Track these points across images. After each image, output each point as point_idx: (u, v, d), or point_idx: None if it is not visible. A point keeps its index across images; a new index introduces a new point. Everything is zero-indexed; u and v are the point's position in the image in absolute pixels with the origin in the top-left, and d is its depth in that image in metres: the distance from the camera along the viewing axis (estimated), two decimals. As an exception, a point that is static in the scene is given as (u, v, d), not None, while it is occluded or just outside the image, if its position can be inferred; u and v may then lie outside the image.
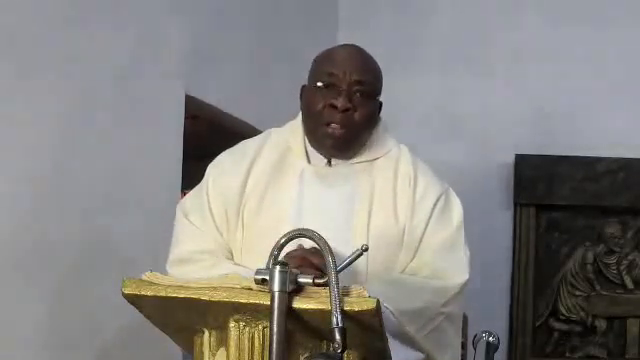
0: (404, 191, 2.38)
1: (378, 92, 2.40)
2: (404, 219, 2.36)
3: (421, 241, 2.36)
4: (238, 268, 2.28)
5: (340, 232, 2.28)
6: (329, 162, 2.40)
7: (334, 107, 2.30)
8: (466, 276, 2.36)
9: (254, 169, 2.40)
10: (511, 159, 4.84)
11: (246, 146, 2.47)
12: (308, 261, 2.13)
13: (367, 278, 2.26)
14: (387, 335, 1.97)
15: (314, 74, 2.39)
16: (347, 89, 2.31)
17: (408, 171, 2.40)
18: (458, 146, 4.82)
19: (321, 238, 1.90)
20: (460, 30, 4.97)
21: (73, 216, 3.16)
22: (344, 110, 2.30)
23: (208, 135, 4.13)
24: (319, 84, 2.34)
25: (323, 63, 2.39)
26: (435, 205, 2.38)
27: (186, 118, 3.85)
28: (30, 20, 2.98)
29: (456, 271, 2.36)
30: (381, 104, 2.43)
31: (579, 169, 4.81)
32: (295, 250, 2.16)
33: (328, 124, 2.32)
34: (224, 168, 2.43)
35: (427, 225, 2.36)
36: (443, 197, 2.41)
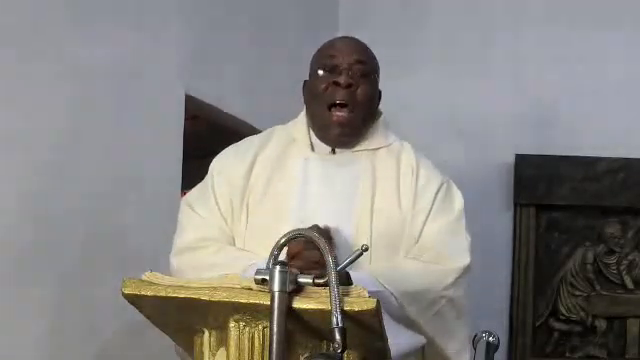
0: (406, 179, 2.43)
1: (377, 72, 2.47)
2: (407, 205, 2.40)
3: (423, 227, 2.40)
4: (241, 252, 2.30)
5: (343, 218, 2.33)
6: (333, 151, 2.44)
7: (337, 84, 2.35)
8: (467, 260, 2.39)
9: (259, 159, 2.45)
10: (511, 159, 4.83)
11: (250, 140, 2.54)
12: (310, 244, 2.13)
13: (370, 263, 2.28)
14: (389, 319, 1.98)
15: (315, 64, 2.45)
16: (348, 68, 2.38)
17: (410, 161, 2.46)
18: (458, 146, 4.82)
19: (320, 238, 1.90)
20: (460, 30, 4.96)
21: (73, 216, 3.15)
22: (347, 86, 2.35)
23: (208, 135, 4.12)
24: (320, 72, 2.39)
25: (323, 51, 2.46)
26: (437, 193, 2.44)
27: (186, 118, 3.85)
28: (30, 20, 2.98)
29: (457, 255, 2.39)
30: (380, 92, 2.47)
31: (579, 169, 4.80)
32: (295, 246, 2.17)
33: (332, 107, 2.35)
34: (229, 160, 2.48)
35: (429, 212, 2.41)
36: (445, 186, 2.46)
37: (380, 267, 2.26)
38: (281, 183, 2.40)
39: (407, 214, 2.39)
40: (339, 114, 2.37)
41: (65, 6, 3.14)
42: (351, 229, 2.26)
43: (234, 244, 2.39)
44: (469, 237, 2.43)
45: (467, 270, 2.38)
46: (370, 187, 2.39)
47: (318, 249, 2.05)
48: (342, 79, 2.35)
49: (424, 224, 2.40)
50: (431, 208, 2.41)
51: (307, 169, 2.41)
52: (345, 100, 2.36)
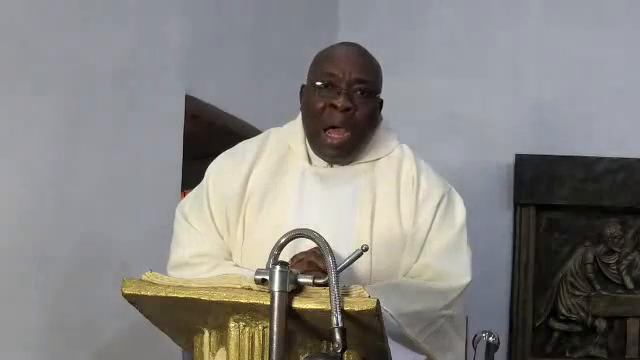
0: (407, 192, 2.36)
1: (378, 90, 2.38)
2: (407, 220, 2.34)
3: (424, 243, 2.34)
4: (238, 270, 2.27)
5: (342, 234, 2.27)
6: (330, 164, 2.39)
7: (334, 107, 2.29)
8: (468, 278, 2.34)
9: (254, 170, 2.38)
10: (511, 159, 4.84)
11: (246, 147, 2.45)
12: (315, 265, 2.12)
13: (370, 280, 2.26)
14: (388, 337, 1.97)
15: (314, 73, 2.37)
16: (347, 88, 2.30)
17: (411, 172, 2.38)
18: (458, 146, 4.83)
19: (321, 238, 1.90)
20: (460, 30, 4.97)
21: (73, 216, 3.16)
22: (345, 110, 2.28)
23: (208, 135, 4.12)
24: (318, 83, 2.32)
25: (322, 62, 2.37)
26: (438, 206, 2.37)
27: (186, 118, 3.85)
28: (30, 19, 2.98)
29: (458, 273, 2.34)
30: (382, 102, 2.41)
31: (579, 169, 4.81)
32: (301, 253, 2.16)
33: (328, 128, 2.31)
34: (224, 169, 2.41)
35: (430, 227, 2.35)
36: (445, 198, 2.39)
37: (379, 287, 2.21)
38: (278, 201, 2.34)
39: (408, 229, 2.33)
40: (335, 136, 2.30)
41: (65, 6, 3.14)
42: (350, 249, 2.22)
43: (230, 257, 2.36)
44: (470, 252, 2.37)
45: (467, 288, 2.34)
46: (370, 205, 2.33)
47: (323, 272, 2.05)
48: (340, 102, 2.27)
49: (425, 240, 2.34)
50: (431, 224, 2.35)
51: (304, 186, 2.34)
52: (341, 124, 2.29)
